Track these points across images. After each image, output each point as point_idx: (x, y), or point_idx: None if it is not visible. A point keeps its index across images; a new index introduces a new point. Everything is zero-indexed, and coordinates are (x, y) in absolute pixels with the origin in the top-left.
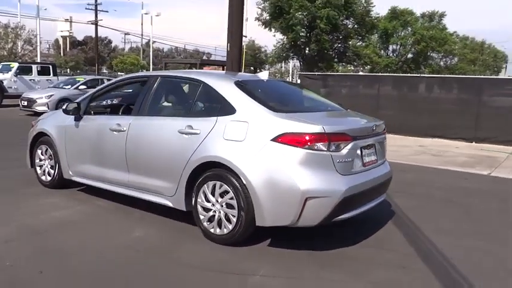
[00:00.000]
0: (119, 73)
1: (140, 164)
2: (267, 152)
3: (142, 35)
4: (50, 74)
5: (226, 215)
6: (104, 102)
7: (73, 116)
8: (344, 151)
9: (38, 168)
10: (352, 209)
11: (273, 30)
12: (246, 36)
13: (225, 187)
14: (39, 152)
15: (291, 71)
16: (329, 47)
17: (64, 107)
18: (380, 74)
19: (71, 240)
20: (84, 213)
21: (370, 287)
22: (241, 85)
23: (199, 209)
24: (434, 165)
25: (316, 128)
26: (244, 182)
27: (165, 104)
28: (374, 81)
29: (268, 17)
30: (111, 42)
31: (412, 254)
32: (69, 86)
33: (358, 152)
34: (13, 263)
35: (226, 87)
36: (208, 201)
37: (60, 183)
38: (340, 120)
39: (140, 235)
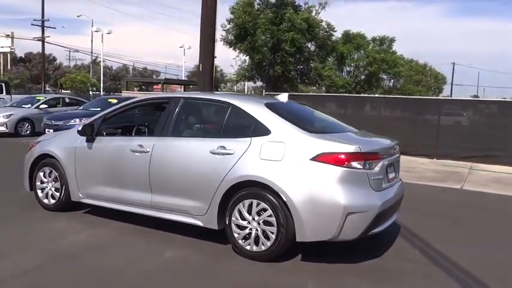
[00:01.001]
0: (64, 91)
1: (166, 185)
2: (307, 171)
3: (92, 52)
4: (2, 92)
5: (264, 232)
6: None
7: (83, 137)
8: (376, 169)
9: (39, 191)
10: (382, 223)
11: (237, 51)
12: (216, 57)
13: (263, 205)
14: (40, 174)
15: (246, 91)
16: (293, 69)
17: (79, 128)
18: (346, 94)
19: (105, 264)
20: (104, 236)
21: None
22: (271, 107)
23: (234, 227)
24: (409, 181)
25: (353, 148)
26: (285, 200)
27: (191, 125)
28: (341, 102)
29: (233, 39)
30: (55, 60)
31: (430, 263)
32: (29, 105)
33: (384, 169)
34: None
35: (257, 110)
36: (243, 219)
37: (66, 206)
38: (369, 140)
39: (173, 256)
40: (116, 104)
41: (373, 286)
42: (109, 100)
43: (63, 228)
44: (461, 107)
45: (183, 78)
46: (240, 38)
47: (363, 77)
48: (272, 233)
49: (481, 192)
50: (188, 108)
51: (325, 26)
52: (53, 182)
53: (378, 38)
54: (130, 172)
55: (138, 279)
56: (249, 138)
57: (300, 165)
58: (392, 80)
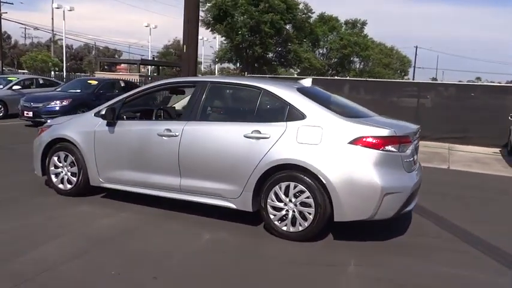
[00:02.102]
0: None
1: (196, 169)
2: (345, 154)
3: (53, 30)
4: None
5: (301, 213)
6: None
7: (102, 121)
8: (408, 152)
9: (53, 176)
10: (411, 203)
11: (215, 32)
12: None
13: (300, 187)
14: (55, 159)
15: (216, 73)
16: (272, 50)
17: (103, 112)
18: (334, 78)
19: (149, 247)
20: (134, 219)
21: (440, 267)
22: (303, 92)
23: (270, 209)
24: None
25: (389, 132)
26: (324, 182)
27: (221, 109)
28: (326, 84)
29: (211, 19)
30: (10, 38)
31: (453, 239)
32: (1, 86)
33: (413, 152)
34: (118, 271)
35: (291, 94)
36: (280, 201)
37: (83, 191)
38: (400, 124)
39: (211, 238)
40: (96, 85)
41: (409, 261)
42: (88, 81)
43: (90, 213)
44: (437, 90)
45: (149, 58)
46: (219, 19)
47: (334, 59)
48: (309, 213)
49: (468, 171)
50: (217, 92)
51: (303, 8)
52: (69, 167)
53: (350, 21)
54: (158, 156)
55: (188, 260)
56: (284, 123)
57: (338, 149)
58: (362, 63)
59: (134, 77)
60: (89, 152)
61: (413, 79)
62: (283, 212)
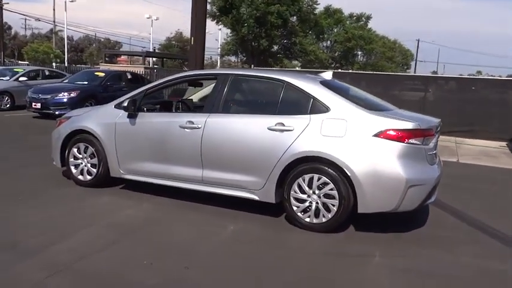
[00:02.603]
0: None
1: (219, 160)
2: (370, 147)
3: (54, 21)
4: None
5: (324, 205)
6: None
7: (123, 113)
8: (431, 145)
9: (72, 168)
10: (433, 195)
11: (220, 24)
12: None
13: (324, 179)
14: (74, 150)
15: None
16: (278, 42)
17: (125, 104)
18: (355, 71)
19: (177, 237)
20: (158, 210)
21: (466, 258)
22: (326, 85)
23: (293, 200)
24: None
25: (413, 125)
26: (349, 174)
27: (244, 102)
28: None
29: (216, 11)
30: (11, 28)
31: (473, 231)
32: (7, 78)
33: (435, 145)
34: (150, 261)
35: (314, 87)
36: (303, 192)
37: (102, 182)
38: (422, 118)
39: (236, 229)
40: (104, 77)
41: (433, 252)
42: (96, 73)
43: (112, 204)
44: (456, 84)
45: (151, 50)
46: (225, 11)
47: (338, 52)
48: (333, 205)
49: (477, 164)
50: (239, 85)
51: (309, 0)
52: (89, 158)
53: (355, 14)
54: (179, 148)
55: (217, 251)
56: (307, 115)
57: (363, 142)
58: (365, 56)
59: (139, 69)
60: (109, 143)
61: (414, 72)
62: (307, 204)
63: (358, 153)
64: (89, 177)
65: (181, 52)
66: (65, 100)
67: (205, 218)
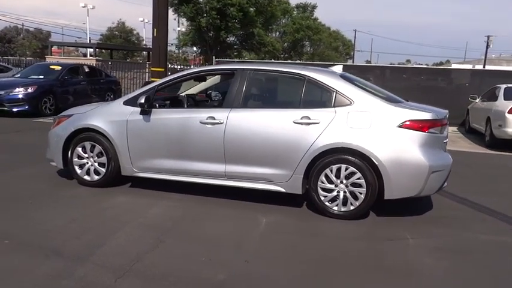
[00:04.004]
0: None
1: (244, 155)
2: (394, 137)
3: None
4: None
5: (352, 193)
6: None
7: (134, 110)
8: (444, 133)
9: (76, 168)
10: (446, 181)
11: (180, 14)
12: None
13: (352, 169)
14: (79, 149)
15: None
16: (238, 34)
17: (141, 100)
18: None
19: (216, 232)
20: (181, 207)
21: (482, 235)
22: (345, 78)
23: (320, 190)
24: None
25: (432, 115)
26: (376, 163)
27: (265, 96)
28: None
29: (176, 1)
30: None
31: (474, 211)
32: None
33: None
34: (208, 258)
35: (336, 81)
36: (331, 182)
37: (111, 181)
38: (435, 109)
39: (269, 221)
40: (60, 71)
41: (452, 231)
42: (51, 67)
43: (132, 203)
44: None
45: (88, 41)
46: (184, 0)
47: (286, 43)
48: (360, 193)
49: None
50: (259, 80)
51: None
52: (96, 157)
53: (301, 4)
54: (201, 144)
55: (264, 243)
56: (332, 108)
57: (388, 132)
58: (311, 47)
59: (91, 62)
60: (120, 141)
61: (353, 62)
62: (334, 193)
63: (384, 143)
64: (96, 177)
65: (125, 43)
66: (21, 96)
67: (234, 213)
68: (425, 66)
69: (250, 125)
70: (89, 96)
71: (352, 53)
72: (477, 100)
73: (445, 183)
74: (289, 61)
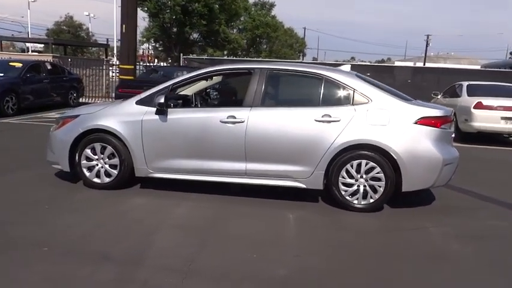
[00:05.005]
0: None
1: (266, 153)
2: (411, 132)
3: None
4: None
5: (371, 187)
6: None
7: (150, 109)
8: (452, 129)
9: (85, 170)
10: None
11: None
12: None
13: (371, 164)
14: (88, 151)
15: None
16: (204, 31)
17: (161, 100)
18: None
19: (249, 231)
20: (206, 208)
21: (492, 221)
22: (360, 78)
23: (341, 185)
24: None
25: (443, 112)
26: (395, 158)
27: (285, 95)
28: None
29: None
30: None
31: (474, 199)
32: None
33: None
34: (254, 255)
35: (353, 80)
36: (351, 177)
37: (124, 183)
38: (442, 106)
39: (296, 217)
40: (22, 68)
41: (464, 219)
42: (10, 64)
43: (152, 204)
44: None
45: (28, 36)
46: None
47: (245, 40)
48: (380, 186)
49: None
50: (277, 79)
51: None
52: (107, 159)
53: (259, 2)
54: (221, 142)
55: (303, 238)
56: (351, 106)
57: (405, 128)
58: (267, 44)
59: (47, 58)
60: (134, 142)
61: (303, 59)
62: (355, 188)
63: (402, 139)
64: (107, 180)
65: (74, 38)
66: None
67: (260, 210)
68: (369, 64)
69: (272, 123)
70: (51, 94)
71: (304, 51)
72: (439, 97)
73: (453, 175)
74: (255, 59)
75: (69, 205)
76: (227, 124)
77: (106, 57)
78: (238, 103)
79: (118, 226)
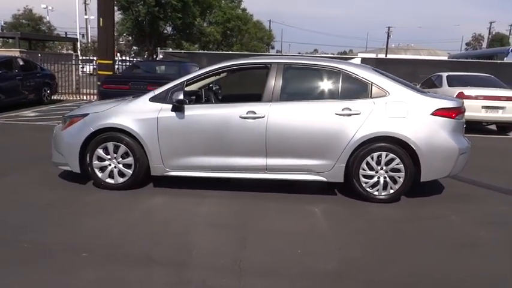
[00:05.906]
0: None
1: (287, 148)
2: (428, 124)
3: None
4: None
5: (391, 178)
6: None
7: (165, 106)
8: (463, 120)
9: (97, 170)
10: None
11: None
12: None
13: (391, 155)
14: (100, 151)
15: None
16: (176, 25)
17: (180, 97)
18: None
19: (283, 227)
20: (230, 205)
21: (502, 206)
22: (377, 71)
23: (362, 177)
24: None
25: (456, 103)
26: (415, 149)
27: (303, 89)
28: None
29: None
30: None
31: (477, 187)
32: None
33: None
34: (339, 247)
35: (370, 74)
36: (371, 169)
37: (139, 182)
38: (452, 98)
39: (321, 211)
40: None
41: (475, 206)
42: None
43: (174, 203)
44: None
45: None
46: None
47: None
48: (399, 177)
49: None
50: (294, 73)
51: None
52: (121, 158)
53: None
54: (241, 138)
55: (335, 231)
56: (370, 100)
57: (422, 120)
58: (237, 37)
59: (13, 53)
60: (150, 140)
61: (269, 52)
62: (375, 179)
63: (420, 130)
64: (121, 180)
65: (35, 31)
66: None
67: (285, 205)
68: (331, 55)
69: (293, 118)
70: (24, 92)
71: (272, 43)
72: None
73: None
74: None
75: (84, 207)
76: (247, 120)
77: (75, 52)
78: (257, 98)
79: (149, 227)
